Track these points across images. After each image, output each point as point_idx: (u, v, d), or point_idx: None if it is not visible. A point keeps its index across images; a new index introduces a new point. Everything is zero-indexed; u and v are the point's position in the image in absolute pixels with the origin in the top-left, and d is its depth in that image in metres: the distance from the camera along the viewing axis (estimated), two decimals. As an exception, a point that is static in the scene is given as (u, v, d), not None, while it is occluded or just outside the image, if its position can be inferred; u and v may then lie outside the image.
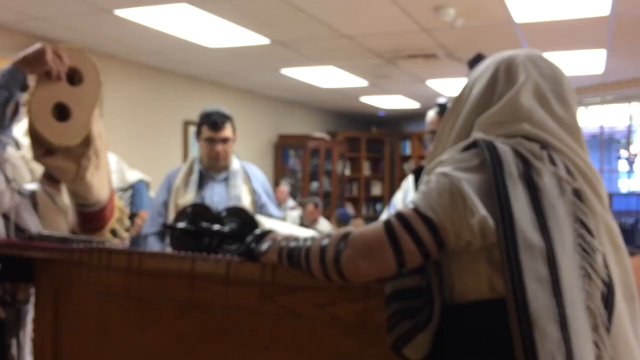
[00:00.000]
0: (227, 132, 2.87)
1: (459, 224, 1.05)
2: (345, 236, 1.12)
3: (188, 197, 2.83)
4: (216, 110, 2.90)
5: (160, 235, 2.87)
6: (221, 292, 1.42)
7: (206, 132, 2.87)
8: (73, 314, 1.68)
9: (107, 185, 1.97)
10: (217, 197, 2.87)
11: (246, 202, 2.87)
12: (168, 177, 3.00)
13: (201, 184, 2.91)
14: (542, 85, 1.18)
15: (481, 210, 1.03)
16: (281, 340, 1.39)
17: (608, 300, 1.06)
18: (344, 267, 1.10)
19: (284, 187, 7.29)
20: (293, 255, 1.23)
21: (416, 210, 1.07)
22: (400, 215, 1.08)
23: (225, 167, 2.93)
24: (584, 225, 1.07)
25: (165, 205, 2.90)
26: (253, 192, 2.93)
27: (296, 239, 1.25)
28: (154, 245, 2.87)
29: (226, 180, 2.92)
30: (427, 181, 1.11)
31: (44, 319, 1.69)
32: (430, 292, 1.11)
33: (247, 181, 2.96)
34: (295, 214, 6.73)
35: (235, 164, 2.97)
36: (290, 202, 7.18)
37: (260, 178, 3.05)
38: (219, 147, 2.86)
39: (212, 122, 2.84)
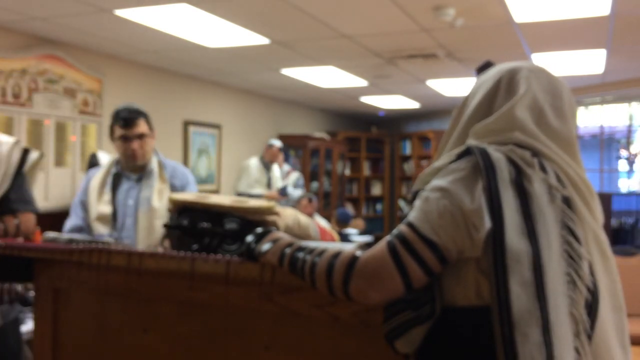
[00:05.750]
0: (141, 127, 2.68)
1: (461, 243, 1.08)
2: (351, 264, 1.14)
3: (105, 198, 2.68)
4: (127, 107, 2.72)
5: (78, 230, 2.68)
6: (221, 292, 1.43)
7: (118, 130, 2.69)
8: (73, 314, 1.68)
9: None
10: (131, 199, 2.69)
11: (158, 203, 2.65)
12: (88, 176, 2.83)
13: (115, 185, 2.73)
14: (540, 99, 1.19)
15: (487, 223, 1.04)
16: (281, 340, 1.39)
17: (592, 308, 1.07)
18: (352, 294, 1.14)
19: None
20: (296, 265, 1.24)
21: (418, 233, 1.10)
22: (403, 239, 1.11)
23: (143, 167, 2.73)
24: (571, 232, 1.08)
25: (83, 204, 2.72)
26: (173, 190, 2.70)
27: (302, 248, 1.26)
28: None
29: (140, 180, 2.72)
30: (426, 198, 1.12)
31: (44, 319, 1.69)
32: (433, 289, 1.13)
33: (164, 179, 2.73)
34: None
35: (152, 162, 2.75)
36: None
37: (183, 177, 2.81)
38: (135, 145, 2.66)
39: (123, 118, 2.67)
